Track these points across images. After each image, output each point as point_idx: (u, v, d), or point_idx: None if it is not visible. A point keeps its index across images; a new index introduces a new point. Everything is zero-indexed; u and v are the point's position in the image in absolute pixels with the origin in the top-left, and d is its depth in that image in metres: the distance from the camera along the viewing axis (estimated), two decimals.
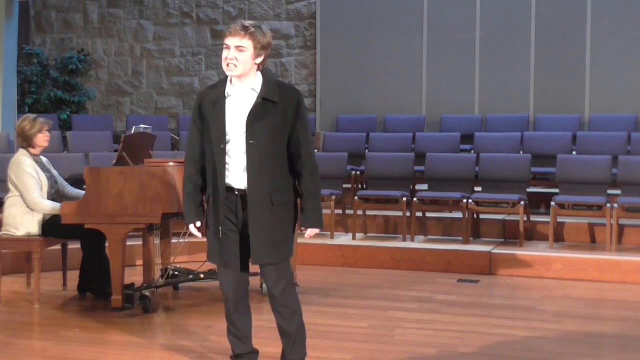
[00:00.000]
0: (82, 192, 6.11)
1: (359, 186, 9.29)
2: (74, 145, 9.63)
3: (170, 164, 5.63)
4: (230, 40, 3.81)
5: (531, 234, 8.14)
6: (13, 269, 7.11)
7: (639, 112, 10.03)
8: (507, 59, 10.86)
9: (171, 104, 12.38)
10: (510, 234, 8.18)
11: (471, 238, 8.01)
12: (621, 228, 7.81)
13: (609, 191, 8.06)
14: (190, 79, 12.31)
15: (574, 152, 9.19)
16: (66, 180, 6.42)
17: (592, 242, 8.00)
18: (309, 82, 11.79)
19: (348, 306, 6.07)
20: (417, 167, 8.79)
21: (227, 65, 3.81)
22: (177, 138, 10.35)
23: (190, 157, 3.99)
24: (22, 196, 5.94)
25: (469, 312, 5.90)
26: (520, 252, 7.48)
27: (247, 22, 3.84)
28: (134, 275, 6.40)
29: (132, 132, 6.31)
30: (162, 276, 6.23)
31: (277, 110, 3.83)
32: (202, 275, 6.38)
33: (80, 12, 12.75)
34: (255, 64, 3.85)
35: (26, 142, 6.07)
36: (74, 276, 6.37)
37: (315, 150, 10.31)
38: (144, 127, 6.47)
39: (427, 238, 8.27)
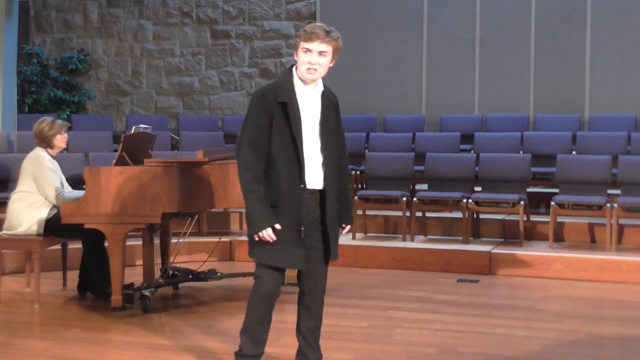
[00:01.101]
0: (81, 192, 6.14)
1: (359, 186, 9.30)
2: (74, 145, 9.62)
3: (170, 164, 5.62)
4: (314, 45, 3.83)
5: (531, 234, 8.14)
6: (13, 269, 7.12)
7: (639, 112, 10.03)
8: (507, 59, 10.86)
9: (171, 104, 12.38)
10: (510, 234, 8.17)
11: (471, 238, 8.01)
12: (621, 228, 7.81)
13: (609, 191, 8.06)
14: (190, 79, 12.31)
15: (574, 152, 9.19)
16: (66, 180, 6.43)
17: (592, 242, 8.00)
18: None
19: (348, 306, 6.07)
20: (417, 167, 8.79)
21: (309, 69, 3.85)
22: (177, 138, 10.35)
23: (258, 157, 3.86)
24: (41, 190, 5.99)
25: (469, 312, 5.90)
26: (520, 252, 7.48)
27: (327, 27, 3.87)
28: (134, 275, 6.40)
29: (132, 132, 6.30)
30: (162, 276, 6.23)
31: (333, 110, 3.99)
32: (202, 275, 6.38)
33: (80, 12, 12.76)
34: (329, 68, 3.93)
35: (44, 143, 6.14)
36: (74, 276, 6.37)
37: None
38: (144, 127, 6.47)
39: (427, 238, 8.27)
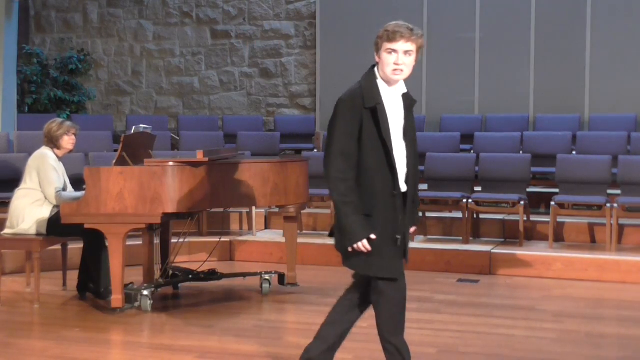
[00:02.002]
0: (80, 193, 6.14)
1: None
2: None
3: (170, 164, 5.63)
4: (400, 45, 3.67)
5: (531, 234, 8.14)
6: (13, 269, 7.12)
7: (639, 112, 10.03)
8: (507, 59, 10.86)
9: (171, 104, 12.38)
10: (510, 234, 8.17)
11: (471, 238, 8.01)
12: (621, 228, 7.81)
13: (609, 191, 8.06)
14: (190, 79, 12.31)
15: (574, 152, 9.19)
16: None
17: (592, 242, 8.00)
18: (309, 82, 11.79)
19: None
20: None
21: (395, 70, 3.70)
22: (177, 138, 10.35)
23: (350, 167, 3.72)
24: (42, 187, 6.01)
25: (469, 312, 5.90)
26: (520, 252, 7.48)
27: (409, 25, 3.72)
28: (134, 275, 6.40)
29: (132, 132, 6.31)
30: (162, 276, 6.23)
31: (411, 113, 3.86)
32: (202, 275, 6.38)
33: (80, 12, 12.76)
34: (413, 66, 3.79)
35: (52, 143, 6.17)
36: (74, 276, 6.37)
37: (315, 150, 10.36)
38: (144, 127, 6.46)
39: (427, 238, 8.27)
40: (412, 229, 3.96)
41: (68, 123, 6.28)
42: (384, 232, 3.71)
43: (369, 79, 3.76)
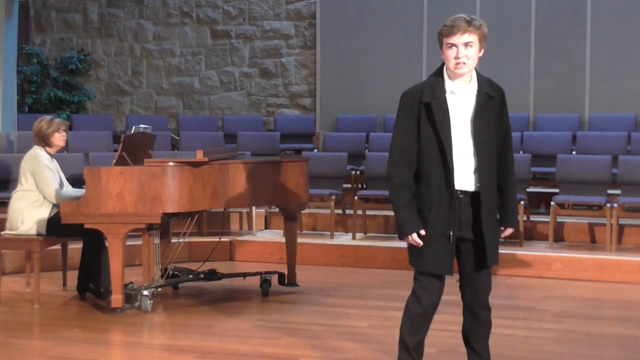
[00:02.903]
0: (79, 191, 6.14)
1: (359, 186, 9.29)
2: (74, 145, 9.62)
3: (170, 164, 5.63)
4: (456, 39, 3.60)
5: (531, 234, 8.14)
6: (13, 269, 7.12)
7: (639, 112, 10.03)
8: (507, 59, 10.85)
9: (171, 104, 12.38)
10: (510, 234, 8.15)
11: None
12: (621, 228, 7.81)
13: (609, 191, 8.06)
14: (190, 79, 12.31)
15: (574, 152, 9.19)
16: (66, 179, 6.44)
17: (592, 242, 8.00)
18: (309, 82, 11.79)
19: (348, 306, 6.07)
20: None
21: (457, 64, 3.62)
22: (177, 138, 10.35)
23: (407, 162, 3.70)
24: (39, 188, 5.99)
25: None
26: (520, 252, 7.48)
27: (468, 16, 3.68)
28: (134, 275, 6.40)
29: (132, 132, 6.31)
30: (162, 276, 6.23)
31: (493, 106, 3.72)
32: (202, 275, 6.38)
33: (80, 12, 12.75)
34: (479, 57, 3.71)
35: (43, 141, 6.14)
36: (74, 276, 6.37)
37: (315, 150, 10.37)
38: (144, 127, 6.46)
39: None
40: (506, 232, 3.85)
41: (57, 120, 6.23)
42: (435, 228, 3.68)
43: (435, 74, 3.74)
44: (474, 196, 3.68)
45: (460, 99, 3.68)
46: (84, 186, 5.71)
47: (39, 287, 6.03)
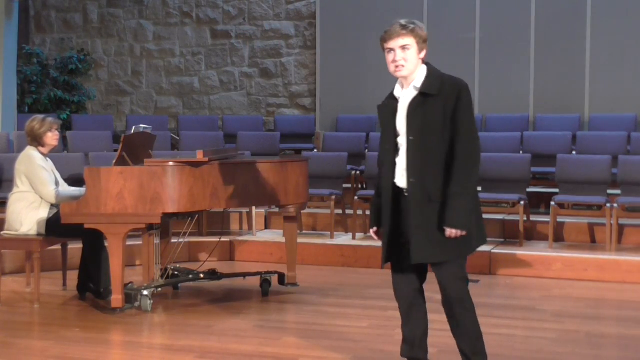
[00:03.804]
0: (76, 189, 6.14)
1: (359, 186, 9.29)
2: (74, 145, 9.63)
3: (170, 164, 5.63)
4: (393, 43, 3.79)
5: (531, 234, 8.14)
6: (13, 269, 7.12)
7: (639, 112, 10.03)
8: (507, 59, 10.85)
9: (171, 104, 12.38)
10: (510, 234, 8.17)
11: None
12: (621, 228, 7.81)
13: (609, 191, 8.06)
14: (190, 79, 12.31)
15: (574, 152, 9.19)
16: (66, 180, 6.43)
17: (592, 242, 8.00)
18: (309, 82, 11.79)
19: (348, 306, 6.07)
20: None
21: (396, 67, 3.79)
22: (177, 138, 10.35)
23: (379, 162, 4.02)
24: (36, 189, 5.97)
25: None
26: (520, 252, 7.48)
27: (404, 21, 3.85)
28: (134, 275, 6.40)
29: (132, 132, 6.31)
30: (162, 276, 6.23)
31: (437, 103, 3.75)
32: (202, 275, 6.38)
33: (80, 12, 12.76)
34: (420, 59, 3.84)
35: (36, 141, 6.11)
36: (74, 276, 6.37)
37: (315, 150, 10.37)
38: (144, 127, 6.46)
39: None
40: (447, 231, 3.77)
41: (49, 119, 6.19)
42: (384, 225, 3.93)
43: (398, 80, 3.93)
44: (410, 193, 3.81)
45: (405, 101, 3.84)
46: (84, 186, 5.71)
47: (39, 287, 6.02)
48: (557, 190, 8.25)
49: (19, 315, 5.83)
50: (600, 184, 7.98)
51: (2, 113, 10.03)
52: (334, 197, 8.28)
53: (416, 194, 3.76)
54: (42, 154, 6.13)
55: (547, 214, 8.21)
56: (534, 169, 8.55)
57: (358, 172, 9.30)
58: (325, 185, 8.38)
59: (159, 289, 6.14)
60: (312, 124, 11.39)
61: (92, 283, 6.17)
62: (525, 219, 7.91)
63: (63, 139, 9.93)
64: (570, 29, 10.60)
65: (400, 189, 3.84)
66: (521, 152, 9.22)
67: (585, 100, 10.55)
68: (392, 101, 3.88)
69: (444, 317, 5.71)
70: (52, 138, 6.14)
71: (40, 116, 6.26)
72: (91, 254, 6.10)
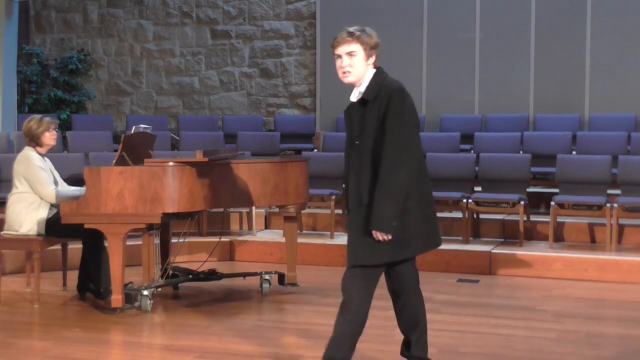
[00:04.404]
0: (76, 189, 6.13)
1: None
2: (74, 145, 9.63)
3: (170, 164, 5.63)
4: (339, 50, 3.87)
5: (531, 234, 8.14)
6: (13, 269, 7.12)
7: (639, 112, 10.03)
8: (507, 59, 10.86)
9: (171, 104, 12.38)
10: (510, 234, 8.17)
11: (471, 238, 8.01)
12: (621, 228, 7.81)
13: (609, 191, 8.06)
14: (190, 79, 12.31)
15: (574, 152, 9.19)
16: (66, 180, 6.42)
17: (592, 242, 8.00)
18: (309, 82, 11.79)
19: None
20: None
21: (343, 73, 3.88)
22: (177, 138, 10.35)
23: None
24: (35, 190, 5.96)
25: (469, 312, 5.90)
26: (520, 252, 7.48)
27: (351, 28, 3.89)
28: (134, 275, 6.40)
29: (132, 132, 6.30)
30: (162, 276, 6.23)
31: (374, 109, 3.82)
32: (202, 275, 6.38)
33: (80, 12, 12.76)
34: (369, 64, 3.89)
35: (34, 141, 6.09)
36: (74, 276, 6.37)
37: (315, 150, 10.37)
38: (144, 127, 6.46)
39: None
40: (375, 234, 3.76)
41: (47, 119, 6.15)
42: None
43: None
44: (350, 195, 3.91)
45: (354, 106, 3.93)
46: (84, 186, 5.71)
47: (39, 287, 6.02)
48: (557, 190, 8.25)
49: (19, 315, 5.83)
50: (600, 184, 7.99)
51: (2, 113, 10.03)
52: (334, 197, 8.28)
53: (352, 197, 3.85)
54: (40, 154, 6.12)
55: (547, 214, 8.21)
56: (534, 169, 8.55)
57: None
58: (325, 185, 8.38)
59: (159, 289, 6.14)
60: (312, 124, 11.39)
61: (92, 283, 6.17)
62: (525, 219, 7.91)
63: (63, 139, 9.94)
64: (570, 29, 10.60)
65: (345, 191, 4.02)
66: (521, 152, 9.22)
67: (585, 100, 10.55)
68: (350, 107, 3.97)
69: (444, 317, 5.73)
70: (49, 138, 6.11)
71: (37, 116, 6.23)
72: (91, 254, 6.09)
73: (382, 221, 3.72)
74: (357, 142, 3.84)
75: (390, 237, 3.75)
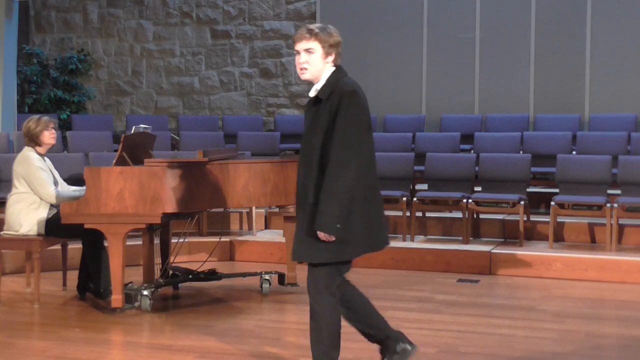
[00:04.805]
0: (76, 189, 6.13)
1: None
2: (74, 145, 9.62)
3: (170, 164, 5.62)
4: (298, 46, 3.90)
5: (531, 234, 8.14)
6: (13, 269, 7.12)
7: (639, 112, 10.03)
8: (507, 59, 10.86)
9: (171, 104, 12.38)
10: (510, 234, 8.17)
11: (471, 238, 8.01)
12: (621, 228, 7.81)
13: (609, 191, 8.06)
14: (190, 79, 12.31)
15: (574, 152, 9.19)
16: (66, 180, 6.42)
17: (592, 242, 8.00)
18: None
19: None
20: (417, 167, 8.79)
21: (301, 69, 3.91)
22: (177, 138, 10.35)
23: None
24: (35, 191, 5.95)
25: (469, 312, 5.90)
26: (520, 252, 7.48)
27: (312, 25, 3.92)
28: (134, 275, 6.40)
29: (132, 132, 6.30)
30: (162, 276, 6.23)
31: (325, 109, 3.85)
32: (202, 275, 6.38)
33: (80, 12, 12.76)
34: (327, 62, 3.91)
35: (33, 141, 6.08)
36: (74, 276, 6.37)
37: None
38: (144, 127, 6.46)
39: (427, 238, 8.27)
40: (320, 235, 3.78)
41: (45, 118, 6.14)
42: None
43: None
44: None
45: (311, 103, 3.96)
46: (84, 186, 5.70)
47: (39, 287, 6.02)
48: (557, 190, 8.25)
49: (19, 315, 5.83)
50: (600, 184, 7.99)
51: (2, 113, 10.02)
52: None
53: (300, 194, 3.90)
54: (40, 154, 6.11)
55: (547, 214, 8.21)
56: (534, 169, 8.55)
57: None
58: None
59: (159, 289, 6.14)
60: None
61: (92, 283, 6.17)
62: (525, 219, 7.91)
63: (63, 139, 9.94)
64: (570, 29, 10.61)
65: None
66: (521, 152, 9.22)
67: (585, 100, 10.55)
68: (308, 103, 4.01)
69: (444, 317, 5.73)
70: (49, 137, 6.10)
71: (35, 116, 6.22)
72: (91, 254, 6.09)
73: (327, 222, 3.74)
74: (307, 138, 3.88)
75: (333, 238, 3.76)
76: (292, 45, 11.84)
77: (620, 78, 10.39)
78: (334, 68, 3.93)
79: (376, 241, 4.01)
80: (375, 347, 4.93)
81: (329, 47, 3.87)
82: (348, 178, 3.72)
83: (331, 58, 3.90)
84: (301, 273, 6.87)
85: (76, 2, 12.75)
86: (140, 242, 6.40)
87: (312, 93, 3.96)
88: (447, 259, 7.52)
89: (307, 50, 3.86)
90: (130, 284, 5.94)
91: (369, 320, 4.12)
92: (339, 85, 3.87)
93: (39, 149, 6.10)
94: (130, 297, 5.79)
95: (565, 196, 7.93)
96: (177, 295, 6.49)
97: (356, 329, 4.12)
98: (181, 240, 6.42)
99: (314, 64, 3.87)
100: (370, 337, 4.16)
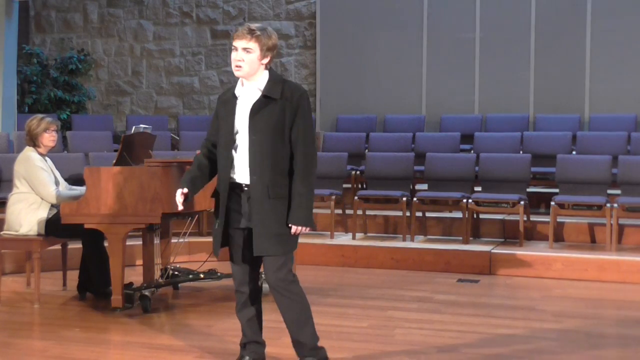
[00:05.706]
0: (77, 189, 6.13)
1: (359, 186, 9.29)
2: (74, 145, 9.63)
3: (171, 164, 5.62)
4: (237, 43, 3.99)
5: (531, 234, 8.14)
6: (13, 269, 7.12)
7: (639, 112, 10.03)
8: (507, 59, 10.86)
9: (171, 104, 12.39)
10: (510, 234, 8.18)
11: (471, 238, 8.01)
12: (621, 228, 7.81)
13: (609, 191, 8.06)
14: (190, 79, 12.32)
15: (574, 152, 9.19)
16: (66, 180, 6.42)
17: (592, 242, 8.00)
18: (309, 82, 11.79)
19: (348, 306, 6.07)
20: (417, 167, 8.79)
21: (236, 66, 3.99)
22: (177, 138, 10.35)
23: (204, 145, 4.23)
24: (36, 191, 5.94)
25: (469, 312, 5.90)
26: (520, 252, 7.48)
27: (254, 25, 4.01)
28: (134, 275, 6.40)
29: (132, 132, 6.30)
30: (162, 276, 6.23)
31: (278, 107, 3.99)
32: (202, 275, 6.38)
33: (80, 12, 12.76)
34: (262, 64, 4.02)
35: (32, 141, 6.07)
36: (74, 276, 6.37)
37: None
38: (144, 127, 6.46)
39: (427, 238, 8.27)
40: (294, 229, 4.04)
41: (48, 119, 6.11)
42: (217, 216, 4.16)
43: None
44: (250, 189, 4.02)
45: (245, 101, 4.05)
46: (84, 186, 5.70)
47: (39, 287, 6.02)
48: (557, 190, 8.25)
49: (19, 315, 5.83)
50: (600, 184, 7.99)
51: (2, 113, 10.02)
52: (334, 197, 8.28)
53: (256, 191, 3.99)
54: (41, 154, 6.11)
55: (547, 214, 8.21)
56: (534, 169, 8.55)
57: (358, 172, 9.30)
58: (325, 185, 8.38)
59: (159, 289, 6.14)
60: (313, 124, 11.38)
61: (92, 283, 6.17)
62: (525, 219, 7.91)
63: (63, 139, 9.94)
64: (570, 29, 10.61)
65: (237, 185, 4.07)
66: (521, 152, 9.22)
67: (585, 100, 10.56)
68: (233, 99, 4.07)
69: (444, 317, 5.73)
70: (48, 139, 6.08)
71: (39, 115, 6.20)
72: (91, 254, 6.10)
73: (307, 216, 4.02)
74: (253, 137, 3.97)
75: (308, 229, 4.04)
76: (292, 45, 11.90)
77: (620, 78, 10.39)
78: (267, 70, 4.05)
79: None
80: (374, 346, 4.94)
81: (267, 50, 4.00)
82: (314, 172, 4.06)
83: (266, 60, 4.02)
84: (301, 273, 6.87)
85: (76, 2, 12.75)
86: (140, 242, 6.40)
87: (252, 92, 4.03)
88: (447, 259, 7.52)
89: (246, 49, 3.96)
90: (130, 284, 5.94)
91: (256, 319, 4.42)
92: (289, 86, 4.05)
93: (38, 149, 6.10)
94: (130, 297, 5.79)
95: (565, 196, 7.93)
96: (177, 295, 6.49)
97: (239, 319, 4.35)
98: (181, 240, 6.42)
99: (250, 64, 3.98)
100: (244, 334, 4.39)
